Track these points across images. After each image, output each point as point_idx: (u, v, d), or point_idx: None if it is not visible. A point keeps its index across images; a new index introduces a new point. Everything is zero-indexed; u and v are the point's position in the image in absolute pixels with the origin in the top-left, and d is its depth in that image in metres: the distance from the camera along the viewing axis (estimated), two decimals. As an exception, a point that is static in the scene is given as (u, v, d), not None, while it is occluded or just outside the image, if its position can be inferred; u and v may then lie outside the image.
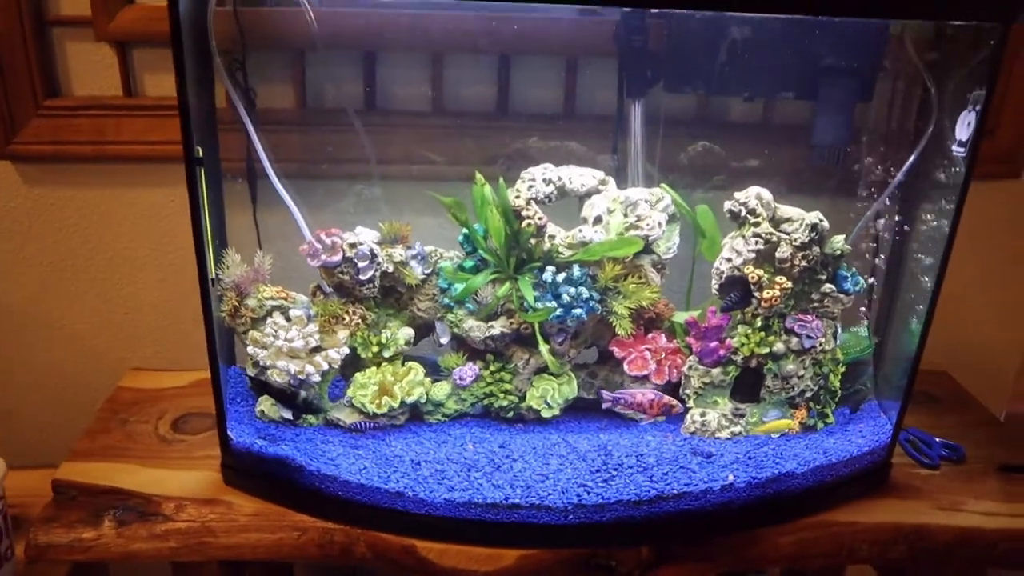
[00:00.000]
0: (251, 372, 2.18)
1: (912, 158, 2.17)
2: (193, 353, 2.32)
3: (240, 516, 2.01)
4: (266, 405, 2.17)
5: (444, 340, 2.25)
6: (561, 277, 2.12)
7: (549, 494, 1.83)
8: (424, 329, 2.28)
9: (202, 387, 2.18)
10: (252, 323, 2.14)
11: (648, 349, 2.25)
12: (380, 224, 2.18)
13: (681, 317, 2.29)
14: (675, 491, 1.98)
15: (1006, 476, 2.30)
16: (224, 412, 2.04)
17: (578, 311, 2.13)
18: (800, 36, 2.13)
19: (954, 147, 1.97)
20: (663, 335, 2.27)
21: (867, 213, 2.28)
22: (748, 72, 2.19)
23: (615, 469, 2.03)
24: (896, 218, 2.28)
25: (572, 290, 2.13)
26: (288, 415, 2.14)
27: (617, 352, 2.25)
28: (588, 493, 1.94)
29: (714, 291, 2.15)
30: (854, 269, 2.16)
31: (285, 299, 2.15)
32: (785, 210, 2.11)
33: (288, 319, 2.12)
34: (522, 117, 2.51)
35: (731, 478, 2.01)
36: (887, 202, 2.30)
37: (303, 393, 2.10)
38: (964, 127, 1.92)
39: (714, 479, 2.01)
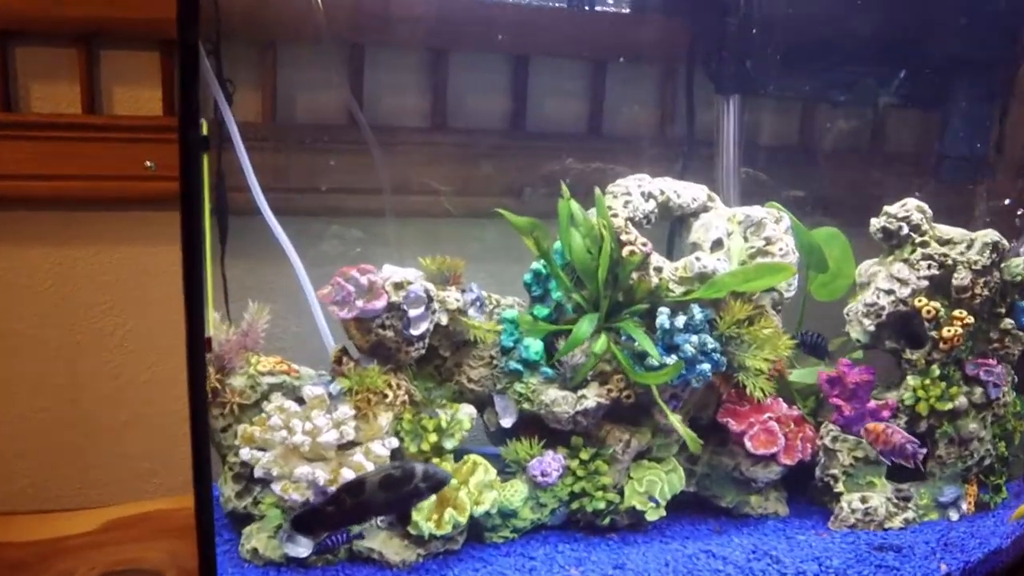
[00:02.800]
0: (231, 489, 1.41)
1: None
2: (92, 480, 1.84)
3: None
4: (259, 540, 1.40)
5: (507, 421, 1.58)
6: (680, 322, 1.53)
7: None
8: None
9: (124, 530, 1.66)
10: (239, 412, 1.39)
11: (772, 419, 1.68)
12: (421, 260, 1.52)
13: (802, 376, 1.75)
14: (891, 595, 1.41)
15: None
16: (214, 563, 1.25)
17: (704, 367, 1.55)
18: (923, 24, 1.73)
19: None
20: (780, 401, 1.72)
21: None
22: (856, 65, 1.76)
23: (801, 582, 1.43)
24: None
25: (694, 339, 1.55)
26: (302, 551, 1.38)
27: (733, 425, 1.67)
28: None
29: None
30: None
31: (288, 373, 1.42)
32: (942, 229, 1.66)
33: (301, 401, 1.39)
34: (544, 135, 1.94)
35: (944, 568, 1.49)
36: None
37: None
38: None
39: (924, 574, 1.46)
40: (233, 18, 1.69)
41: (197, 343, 1.17)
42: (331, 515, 1.29)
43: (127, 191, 1.82)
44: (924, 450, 1.59)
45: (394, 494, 1.30)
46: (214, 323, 1.35)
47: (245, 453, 1.36)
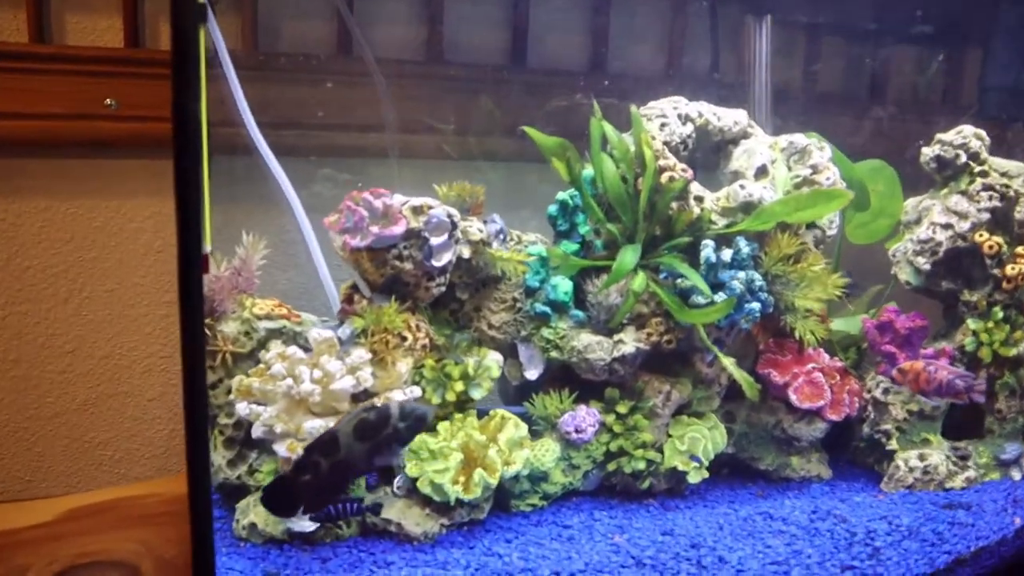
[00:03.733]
0: (221, 456, 1.20)
1: None
2: (43, 471, 1.67)
3: None
4: (258, 514, 1.18)
5: (532, 373, 1.39)
6: (726, 256, 1.37)
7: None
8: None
9: (85, 519, 1.43)
10: (232, 364, 1.17)
11: (817, 369, 1.53)
12: (436, 188, 1.32)
13: (842, 324, 1.60)
14: (969, 550, 1.26)
15: None
16: (212, 544, 1.03)
17: (753, 306, 1.39)
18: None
19: None
20: (822, 351, 1.57)
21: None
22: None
23: (870, 541, 1.27)
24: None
25: (741, 275, 1.38)
26: (308, 525, 1.17)
27: (775, 376, 1.51)
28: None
29: (903, 277, 1.49)
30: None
31: (288, 318, 1.21)
32: (996, 161, 1.53)
33: (305, 349, 1.18)
34: (547, 71, 1.77)
35: (1018, 521, 1.36)
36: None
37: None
38: None
39: (999, 528, 1.32)
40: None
41: (193, 286, 0.95)
42: (307, 485, 1.06)
43: (84, 133, 1.59)
44: (980, 382, 1.42)
45: (372, 443, 1.08)
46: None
47: (243, 408, 1.15)
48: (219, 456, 1.25)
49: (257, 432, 1.17)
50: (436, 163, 1.70)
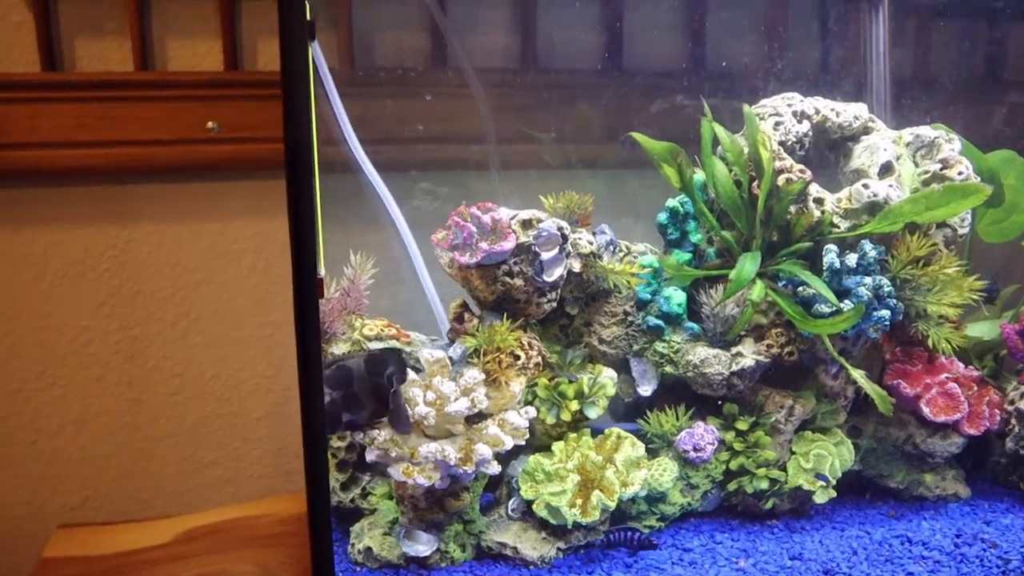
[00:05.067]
0: (334, 480, 1.17)
1: None
2: (158, 490, 1.69)
3: None
4: (373, 538, 1.16)
5: (646, 388, 1.33)
6: (851, 260, 1.28)
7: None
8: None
9: (203, 540, 1.43)
10: (343, 385, 1.15)
11: (951, 380, 1.42)
12: (542, 199, 1.28)
13: (977, 330, 1.49)
14: None
15: None
16: (331, 567, 1.00)
17: (882, 313, 1.30)
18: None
19: None
20: (955, 360, 1.46)
21: None
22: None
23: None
24: None
25: (868, 280, 1.29)
26: (423, 549, 1.14)
27: (905, 388, 1.41)
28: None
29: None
30: None
31: (398, 338, 1.18)
32: None
33: (415, 370, 1.15)
34: (645, 72, 1.70)
35: None
36: None
37: (464, 499, 1.11)
38: None
39: None
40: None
41: (309, 305, 0.93)
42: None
43: (186, 157, 1.61)
44: None
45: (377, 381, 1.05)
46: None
47: (357, 432, 1.12)
48: (332, 479, 1.24)
49: (371, 456, 1.14)
50: (536, 173, 1.66)
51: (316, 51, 1.31)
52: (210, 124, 1.59)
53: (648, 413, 1.37)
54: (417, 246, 1.39)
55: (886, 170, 1.37)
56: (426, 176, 1.59)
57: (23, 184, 1.59)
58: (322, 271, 0.93)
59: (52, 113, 1.56)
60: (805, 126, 1.38)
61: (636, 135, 1.30)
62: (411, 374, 1.16)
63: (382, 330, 1.21)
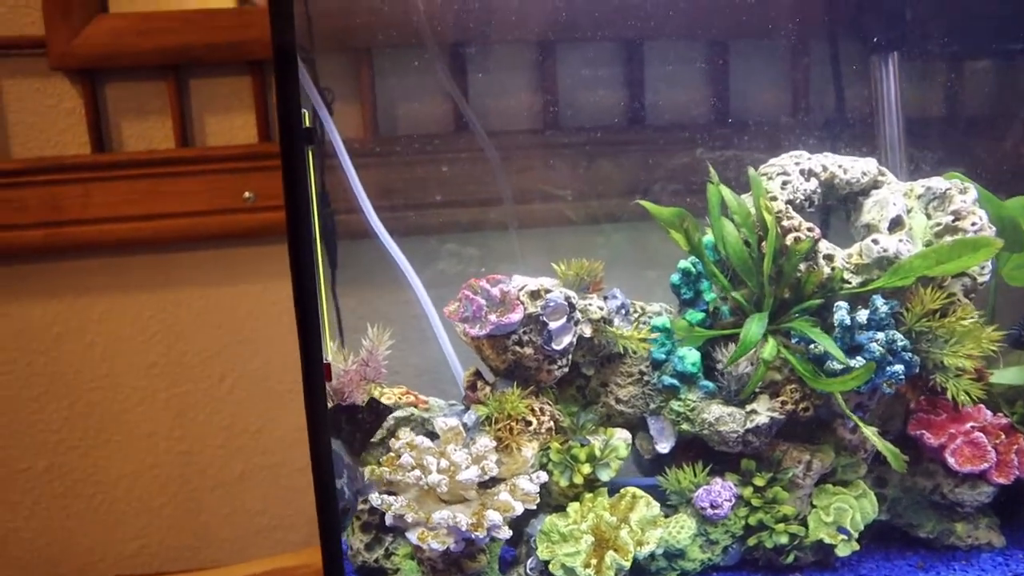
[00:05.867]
0: (359, 540, 1.23)
1: None
2: (208, 539, 1.78)
3: None
4: (397, 599, 1.21)
5: (664, 446, 1.36)
6: (862, 317, 1.29)
7: None
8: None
9: None
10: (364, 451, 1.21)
11: (977, 428, 1.41)
12: (555, 266, 1.32)
13: (1006, 377, 1.47)
14: None
15: None
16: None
17: (896, 368, 1.30)
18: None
19: None
20: (982, 407, 1.45)
21: None
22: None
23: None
24: None
25: (880, 336, 1.30)
26: (444, 610, 1.19)
27: (929, 438, 1.40)
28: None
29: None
30: None
31: (415, 405, 1.24)
32: None
33: (432, 436, 1.20)
34: (665, 127, 1.73)
35: None
36: None
37: (481, 560, 1.16)
38: None
39: None
40: (323, 25, 1.56)
41: (315, 376, 1.00)
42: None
43: (225, 225, 1.70)
44: None
45: None
46: (331, 352, 1.18)
47: (375, 498, 1.18)
48: (357, 540, 1.29)
49: (390, 520, 1.20)
50: (559, 229, 1.71)
51: (331, 127, 1.39)
52: (247, 194, 1.68)
53: (667, 469, 1.40)
54: (437, 309, 1.45)
55: (896, 224, 1.38)
56: (452, 238, 1.66)
57: (78, 257, 1.71)
58: (328, 357, 0.99)
59: (103, 191, 1.67)
60: (813, 184, 1.40)
61: (643, 202, 1.34)
62: (426, 441, 1.22)
63: (400, 398, 1.27)
